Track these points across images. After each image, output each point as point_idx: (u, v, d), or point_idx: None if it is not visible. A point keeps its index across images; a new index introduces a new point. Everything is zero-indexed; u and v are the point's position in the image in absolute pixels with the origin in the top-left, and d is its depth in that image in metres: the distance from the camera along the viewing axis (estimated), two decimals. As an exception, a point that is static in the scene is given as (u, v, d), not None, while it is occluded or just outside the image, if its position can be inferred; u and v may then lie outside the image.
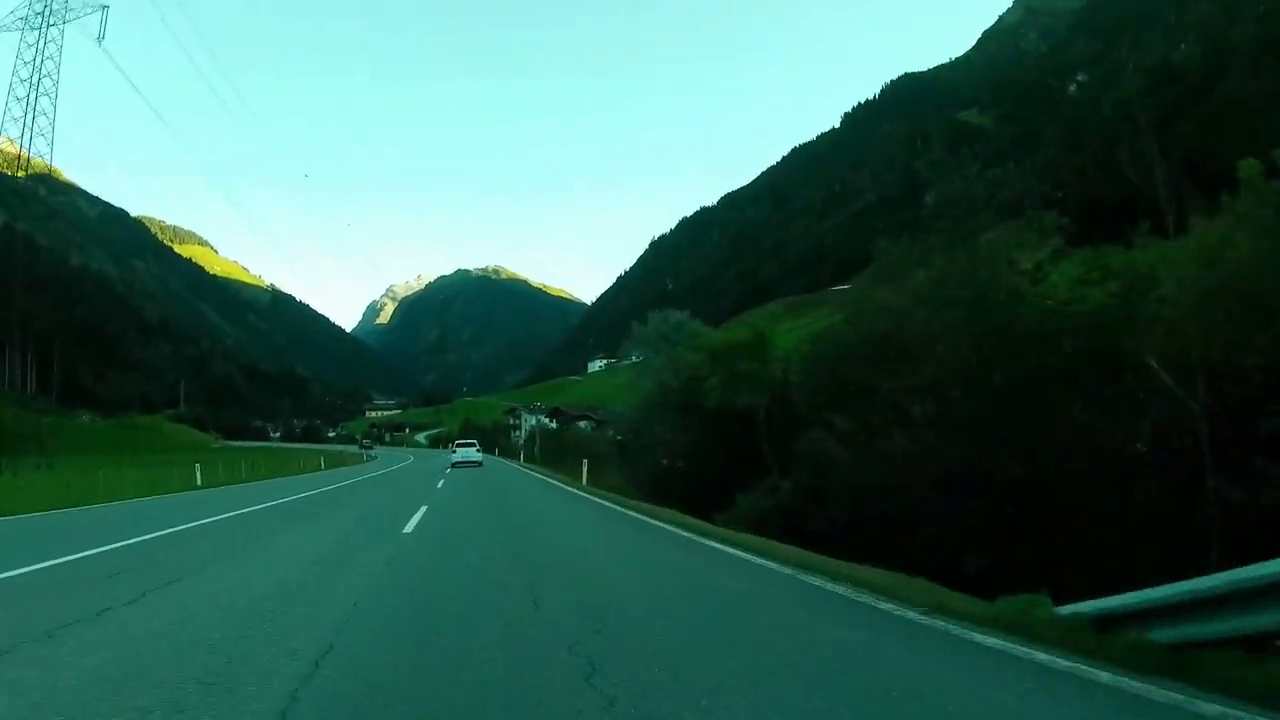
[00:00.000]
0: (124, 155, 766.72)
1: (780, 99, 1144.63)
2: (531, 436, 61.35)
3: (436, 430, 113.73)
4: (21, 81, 75.47)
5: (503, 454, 63.61)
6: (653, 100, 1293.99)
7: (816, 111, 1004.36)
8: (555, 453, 47.13)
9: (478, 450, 40.94)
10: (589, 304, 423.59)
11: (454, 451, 41.73)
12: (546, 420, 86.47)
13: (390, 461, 52.80)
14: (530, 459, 51.25)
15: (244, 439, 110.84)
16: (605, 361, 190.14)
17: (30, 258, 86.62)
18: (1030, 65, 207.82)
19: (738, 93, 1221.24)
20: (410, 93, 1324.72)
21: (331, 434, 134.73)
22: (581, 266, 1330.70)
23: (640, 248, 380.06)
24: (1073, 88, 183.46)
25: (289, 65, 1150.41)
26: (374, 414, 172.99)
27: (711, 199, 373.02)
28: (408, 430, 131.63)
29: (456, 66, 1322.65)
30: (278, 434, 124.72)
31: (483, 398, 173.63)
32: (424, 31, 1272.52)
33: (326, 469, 39.54)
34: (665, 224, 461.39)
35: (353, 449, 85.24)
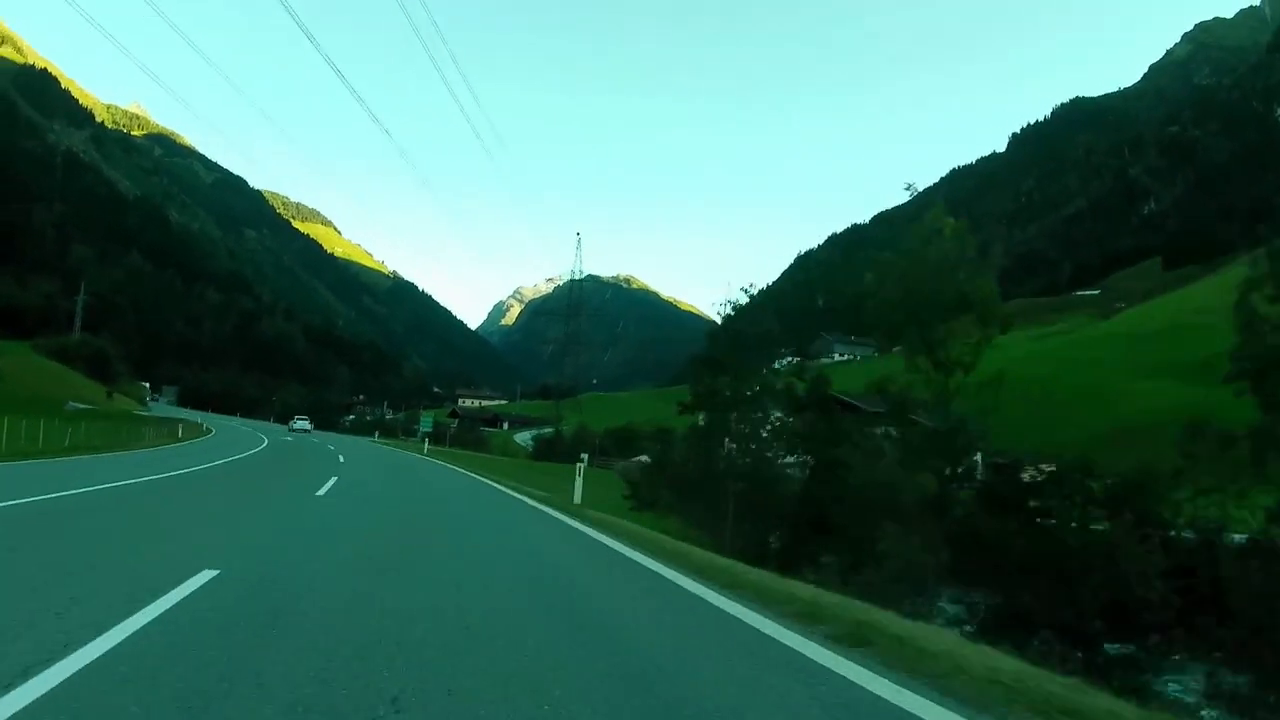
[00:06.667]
0: (264, 132, 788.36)
1: (931, 125, 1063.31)
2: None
3: (549, 430, 64.48)
4: None
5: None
6: (794, 124, 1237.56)
7: (964, 137, 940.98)
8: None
9: (310, 424, 55.37)
10: (719, 322, 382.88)
11: (292, 423, 54.69)
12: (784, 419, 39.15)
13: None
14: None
15: (228, 410, 68.58)
16: (791, 359, 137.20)
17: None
18: (1230, 85, 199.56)
19: (882, 120, 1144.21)
20: (550, 100, 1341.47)
21: (353, 418, 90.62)
22: (711, 286, 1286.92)
23: (777, 269, 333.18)
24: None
25: (433, 67, 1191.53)
26: (469, 402, 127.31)
27: (862, 218, 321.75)
28: (505, 425, 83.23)
29: (594, 78, 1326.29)
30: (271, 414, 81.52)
31: (618, 393, 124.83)
32: (569, 39, 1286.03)
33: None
34: (809, 242, 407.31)
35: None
